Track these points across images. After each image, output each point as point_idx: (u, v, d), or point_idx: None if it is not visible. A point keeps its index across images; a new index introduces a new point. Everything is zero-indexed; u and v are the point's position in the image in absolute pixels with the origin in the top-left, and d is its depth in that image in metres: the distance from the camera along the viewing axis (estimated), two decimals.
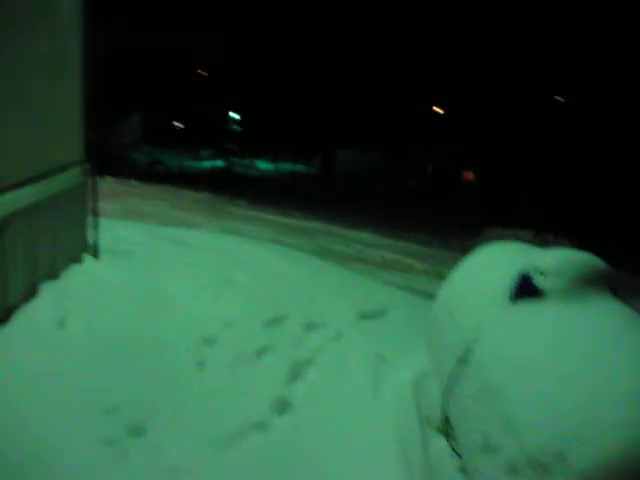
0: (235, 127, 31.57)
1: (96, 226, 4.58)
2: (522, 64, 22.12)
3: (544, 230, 13.05)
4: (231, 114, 31.21)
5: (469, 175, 26.48)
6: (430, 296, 6.89)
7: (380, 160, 26.35)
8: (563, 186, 19.45)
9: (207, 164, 26.49)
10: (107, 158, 21.12)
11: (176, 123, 31.44)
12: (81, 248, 4.54)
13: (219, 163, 26.71)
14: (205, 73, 30.18)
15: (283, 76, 26.84)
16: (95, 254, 4.64)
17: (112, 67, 25.50)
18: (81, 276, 4.03)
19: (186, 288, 4.12)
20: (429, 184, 24.99)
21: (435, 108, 27.95)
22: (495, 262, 2.87)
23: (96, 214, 4.63)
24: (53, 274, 3.98)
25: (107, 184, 10.93)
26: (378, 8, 23.48)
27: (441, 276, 9.10)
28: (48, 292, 3.63)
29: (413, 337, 3.51)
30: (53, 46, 3.98)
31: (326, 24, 24.58)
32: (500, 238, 13.33)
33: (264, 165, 27.29)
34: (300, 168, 27.26)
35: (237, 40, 26.33)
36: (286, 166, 27.26)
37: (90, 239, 4.62)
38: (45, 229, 3.91)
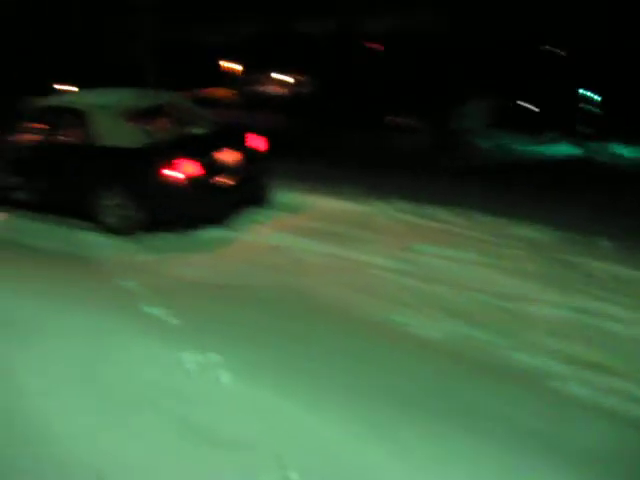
0: (590, 108, 25.91)
1: None
2: None
3: None
4: (585, 92, 25.67)
5: None
6: None
7: None
8: None
9: (555, 150, 21.56)
10: (450, 145, 17.77)
11: (523, 104, 27.07)
12: None
13: (572, 150, 21.50)
14: (564, 53, 25.34)
15: None
16: None
17: (463, 48, 22.51)
18: None
19: None
20: None
21: None
22: None
23: None
24: None
25: (399, 219, 7.41)
26: None
27: None
28: None
29: None
30: None
31: None
32: None
33: (627, 151, 21.40)
34: None
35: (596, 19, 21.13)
36: None
37: None
38: None
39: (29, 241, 6.64)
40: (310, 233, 6.66)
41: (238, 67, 26.04)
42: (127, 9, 15.21)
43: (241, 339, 4.31)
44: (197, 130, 7.36)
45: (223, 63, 26.02)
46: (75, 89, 24.38)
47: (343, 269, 5.74)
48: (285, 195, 7.88)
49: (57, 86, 23.91)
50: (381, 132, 15.40)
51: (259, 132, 7.89)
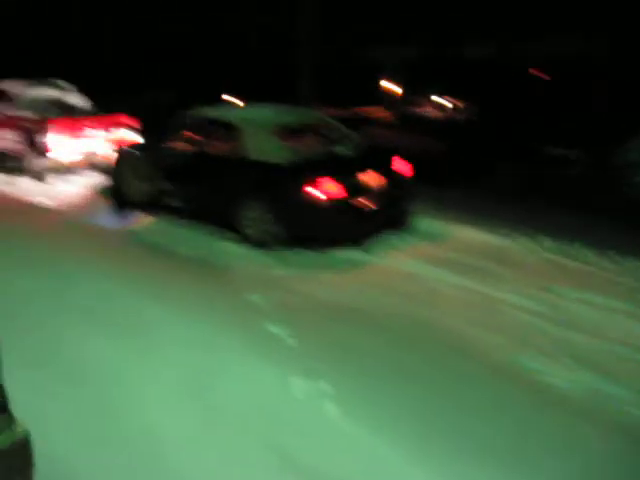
0: None
1: None
2: None
3: None
4: None
5: None
6: None
7: None
8: None
9: None
10: (609, 180, 16.53)
11: None
12: None
13: None
14: None
15: None
16: None
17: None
18: None
19: None
20: None
21: None
22: None
23: None
24: None
25: (542, 256, 6.97)
26: None
27: None
28: None
29: None
30: None
31: None
32: None
33: None
34: None
35: None
36: None
37: None
38: None
39: (171, 246, 6.98)
40: (447, 264, 6.44)
41: (397, 88, 26.12)
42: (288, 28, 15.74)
43: (355, 369, 4.20)
44: (343, 150, 7.37)
45: (382, 82, 26.20)
46: (237, 101, 25.61)
47: (476, 304, 5.49)
48: (426, 222, 7.69)
49: (226, 97, 25.21)
50: (536, 163, 14.64)
51: (410, 155, 7.78)
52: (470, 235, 7.44)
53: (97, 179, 9.70)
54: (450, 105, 20.29)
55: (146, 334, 4.63)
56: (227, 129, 7.57)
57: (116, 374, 4.08)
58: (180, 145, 8.04)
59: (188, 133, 8.11)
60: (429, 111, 25.01)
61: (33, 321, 4.80)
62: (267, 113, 8.00)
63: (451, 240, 7.27)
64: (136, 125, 10.20)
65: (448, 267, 6.33)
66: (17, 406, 2.35)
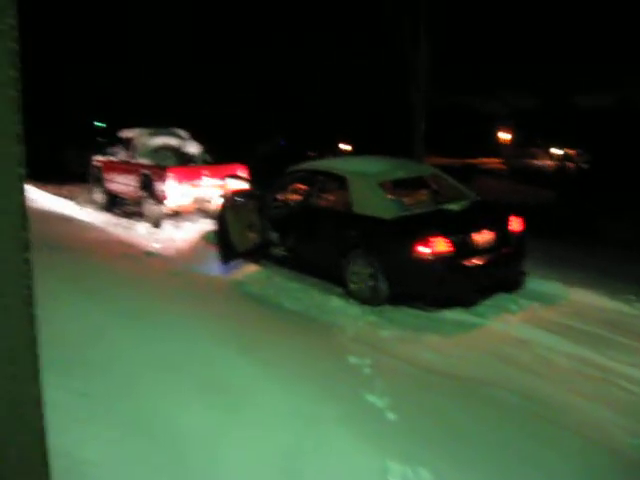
0: None
1: None
2: None
3: None
4: None
5: None
6: None
7: None
8: None
9: None
10: None
11: None
12: None
13: None
14: None
15: None
16: None
17: None
18: None
19: None
20: None
21: None
22: None
23: None
24: None
25: None
26: None
27: None
28: None
29: None
30: None
31: None
32: None
33: None
34: None
35: None
36: None
37: None
38: None
39: (274, 298, 6.97)
40: (562, 330, 6.07)
41: (508, 137, 25.65)
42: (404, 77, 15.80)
43: (457, 454, 3.79)
44: (453, 206, 7.15)
45: (499, 133, 25.86)
46: (349, 148, 26.00)
47: (595, 379, 5.10)
48: (539, 282, 7.32)
49: (342, 146, 25.80)
50: None
51: (519, 206, 7.51)
52: (585, 297, 7.00)
53: (209, 227, 9.94)
54: (563, 155, 19.67)
55: (239, 392, 4.30)
56: (334, 182, 7.61)
57: (203, 436, 3.72)
58: (287, 195, 8.13)
59: (296, 184, 8.19)
60: (540, 160, 24.40)
61: (126, 376, 4.44)
62: (375, 166, 7.93)
63: (565, 303, 6.88)
64: (246, 175, 10.45)
65: (563, 334, 5.97)
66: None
